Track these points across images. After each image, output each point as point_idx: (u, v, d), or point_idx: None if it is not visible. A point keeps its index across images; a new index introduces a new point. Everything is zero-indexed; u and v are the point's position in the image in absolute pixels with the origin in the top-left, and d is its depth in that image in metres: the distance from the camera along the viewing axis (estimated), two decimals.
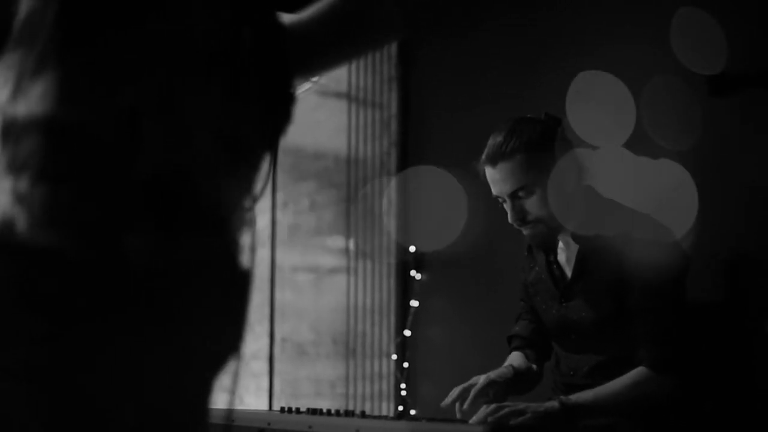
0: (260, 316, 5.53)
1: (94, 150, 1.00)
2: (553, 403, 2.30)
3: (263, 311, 5.44)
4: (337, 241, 4.82)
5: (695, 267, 2.48)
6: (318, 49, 1.35)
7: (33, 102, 0.99)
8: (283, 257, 5.38)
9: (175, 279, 1.06)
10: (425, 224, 4.22)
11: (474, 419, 2.25)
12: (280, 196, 5.42)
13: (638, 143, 2.93)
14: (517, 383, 2.55)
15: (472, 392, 2.41)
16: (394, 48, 4.55)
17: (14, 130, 0.99)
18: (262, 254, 5.45)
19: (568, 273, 2.57)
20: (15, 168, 0.99)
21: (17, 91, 1.00)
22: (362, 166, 4.66)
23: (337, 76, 4.76)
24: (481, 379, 2.46)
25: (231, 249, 1.13)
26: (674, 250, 2.43)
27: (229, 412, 1.19)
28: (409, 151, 4.49)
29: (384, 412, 4.32)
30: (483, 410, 2.26)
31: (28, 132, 0.99)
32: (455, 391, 2.43)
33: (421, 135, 4.43)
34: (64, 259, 0.98)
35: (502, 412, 2.23)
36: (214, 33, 1.10)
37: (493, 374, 2.50)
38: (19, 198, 0.98)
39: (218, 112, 1.09)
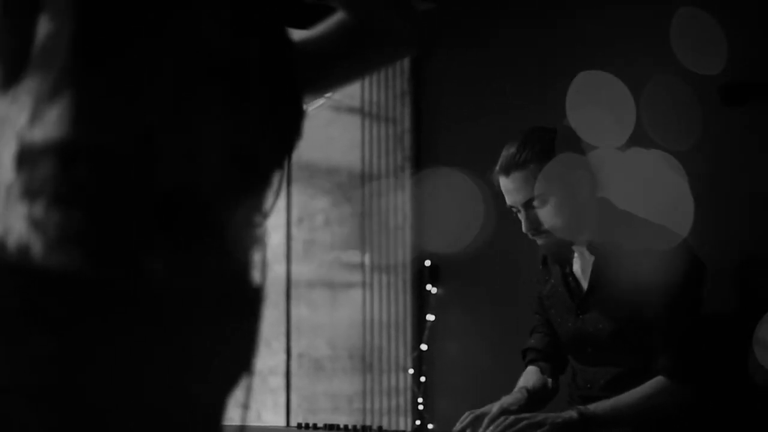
0: (277, 331, 5.54)
1: (109, 172, 1.00)
2: (572, 414, 2.29)
3: (280, 327, 5.45)
4: (353, 256, 4.82)
5: (734, 279, 2.47)
6: (328, 67, 1.35)
7: (49, 126, 0.99)
8: (299, 273, 5.39)
9: (188, 298, 1.06)
10: (440, 237, 4.22)
11: (491, 431, 2.24)
12: (294, 212, 5.43)
13: (638, 143, 2.92)
14: (531, 404, 2.54)
15: (486, 421, 2.39)
16: (406, 63, 4.57)
17: (30, 155, 0.99)
18: (278, 270, 5.46)
19: (584, 285, 2.56)
20: (31, 193, 0.99)
21: (34, 115, 1.00)
22: (376, 180, 4.66)
23: (350, 92, 4.77)
24: (494, 408, 2.44)
25: (243, 266, 1.13)
26: (690, 259, 2.42)
27: (243, 429, 1.19)
28: (423, 165, 4.49)
29: (401, 427, 4.32)
30: (501, 421, 2.26)
31: (44, 157, 0.99)
32: (467, 417, 2.43)
33: (434, 149, 4.43)
34: (80, 282, 0.98)
35: (520, 425, 2.23)
36: (224, 47, 1.11)
37: (506, 402, 2.48)
38: (34, 223, 0.98)
39: (229, 128, 1.10)
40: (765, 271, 2.71)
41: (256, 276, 1.15)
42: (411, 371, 4.31)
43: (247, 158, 1.12)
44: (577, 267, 2.60)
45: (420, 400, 4.18)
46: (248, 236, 1.14)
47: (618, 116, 2.85)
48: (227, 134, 1.10)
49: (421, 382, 4.18)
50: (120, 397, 1.04)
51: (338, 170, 5.07)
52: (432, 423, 3.98)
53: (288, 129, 1.21)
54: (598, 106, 2.74)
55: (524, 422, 2.23)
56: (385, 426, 4.38)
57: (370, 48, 1.36)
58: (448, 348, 4.17)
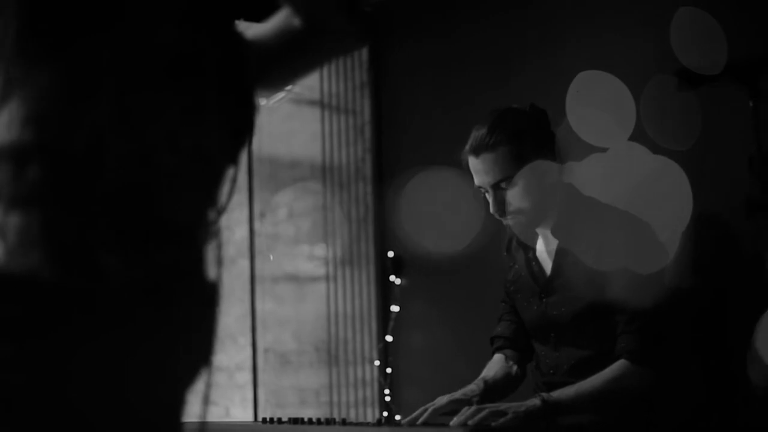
0: (242, 327, 5.52)
1: (61, 172, 1.00)
2: (535, 401, 2.31)
3: (245, 322, 5.43)
4: (317, 249, 4.81)
5: (696, 264, 2.49)
6: (276, 63, 1.37)
7: (0, 131, 0.99)
8: (263, 268, 5.37)
9: (145, 294, 1.08)
10: (403, 229, 4.21)
11: (454, 421, 2.25)
12: (257, 206, 5.41)
13: (638, 143, 2.93)
14: (492, 393, 2.56)
15: (429, 410, 2.43)
16: (365, 53, 4.55)
17: None
18: (242, 265, 5.44)
19: (547, 269, 2.58)
20: None
21: None
22: (338, 173, 4.65)
23: (310, 84, 4.76)
24: (444, 400, 2.47)
25: (198, 261, 1.14)
26: (652, 244, 2.44)
27: (203, 424, 1.20)
28: (384, 156, 4.48)
29: (369, 419, 4.32)
30: (464, 412, 2.26)
31: (3, 158, 0.99)
32: (418, 411, 2.46)
33: (395, 140, 4.43)
34: (40, 285, 0.99)
35: (482, 414, 2.23)
36: (174, 42, 1.12)
37: (457, 393, 2.51)
38: None
39: (180, 124, 1.11)
40: (758, 263, 2.73)
41: (211, 271, 1.14)
42: (377, 363, 4.31)
43: (199, 154, 1.12)
44: (541, 250, 2.62)
45: (386, 391, 4.18)
46: (203, 231, 1.15)
47: (618, 116, 2.86)
48: (178, 130, 1.10)
49: (387, 374, 4.18)
50: (83, 396, 1.05)
51: (300, 163, 5.06)
52: (399, 414, 3.99)
53: (241, 124, 1.22)
54: (597, 106, 2.75)
55: (486, 411, 2.24)
56: (352, 418, 4.38)
57: (316, 43, 1.37)
58: (413, 339, 4.17)
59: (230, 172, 1.19)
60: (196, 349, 1.16)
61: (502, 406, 2.27)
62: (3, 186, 0.99)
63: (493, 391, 2.55)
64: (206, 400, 1.19)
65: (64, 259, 1.00)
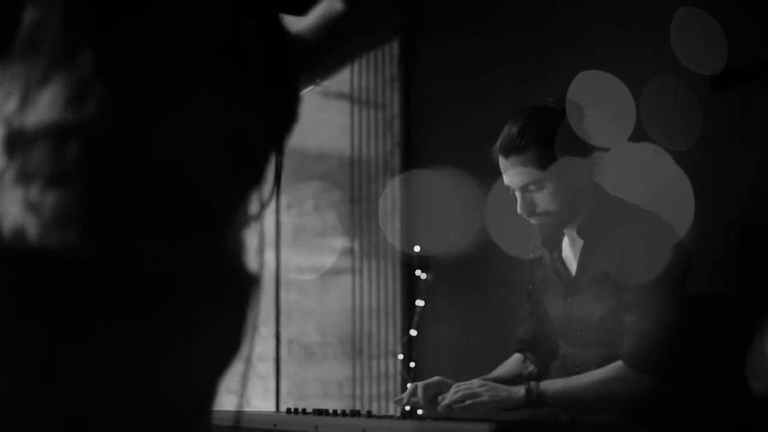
0: (266, 317, 5.53)
1: (101, 153, 1.01)
2: (519, 389, 2.35)
3: (269, 313, 5.45)
4: (342, 242, 4.82)
5: (697, 265, 2.47)
6: (319, 52, 1.39)
7: (41, 110, 1.00)
8: (289, 259, 5.38)
9: (181, 279, 1.09)
10: (430, 224, 4.21)
11: (445, 404, 2.39)
12: (284, 198, 5.42)
13: (638, 143, 2.92)
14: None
15: (420, 386, 2.61)
16: (395, 47, 4.55)
17: (23, 140, 1.01)
18: (268, 256, 5.45)
19: (573, 269, 2.57)
20: (25, 177, 1.00)
21: (25, 101, 1.01)
22: (366, 166, 4.65)
23: (340, 77, 4.76)
24: (434, 378, 2.64)
25: (236, 250, 1.15)
26: (675, 248, 2.42)
27: (238, 414, 1.20)
28: (413, 150, 4.47)
29: (391, 413, 4.32)
30: (452, 392, 2.37)
31: (38, 140, 1.00)
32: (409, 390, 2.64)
33: (424, 134, 4.42)
34: (75, 263, 0.99)
35: (456, 396, 2.31)
36: (218, 29, 1.13)
37: (432, 379, 2.65)
38: (29, 206, 0.99)
39: (223, 112, 1.11)
40: (760, 264, 2.71)
41: (251, 262, 1.15)
42: (400, 357, 4.31)
43: (241, 142, 1.13)
44: (566, 251, 2.61)
45: (410, 385, 4.19)
46: (243, 220, 1.16)
47: (618, 116, 2.85)
48: (221, 117, 1.11)
49: (410, 368, 4.18)
50: (118, 375, 1.06)
51: (328, 156, 5.07)
52: (421, 408, 3.98)
53: (284, 113, 1.22)
54: (598, 105, 2.74)
55: (460, 393, 2.36)
56: (375, 411, 4.39)
57: (357, 33, 1.39)
58: (437, 333, 4.17)
59: (272, 161, 1.18)
60: (229, 338, 1.16)
61: (478, 388, 2.34)
62: (41, 164, 1.00)
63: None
64: (242, 391, 1.22)
65: (99, 237, 1.00)
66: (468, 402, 2.34)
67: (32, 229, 0.99)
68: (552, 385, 2.39)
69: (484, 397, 2.32)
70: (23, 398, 1.02)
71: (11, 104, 1.02)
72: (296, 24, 1.36)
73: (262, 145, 1.17)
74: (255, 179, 1.16)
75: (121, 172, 1.02)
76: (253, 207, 1.16)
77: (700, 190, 2.81)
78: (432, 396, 2.58)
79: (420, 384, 2.60)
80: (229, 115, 1.12)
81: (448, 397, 2.36)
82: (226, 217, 1.12)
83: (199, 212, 1.08)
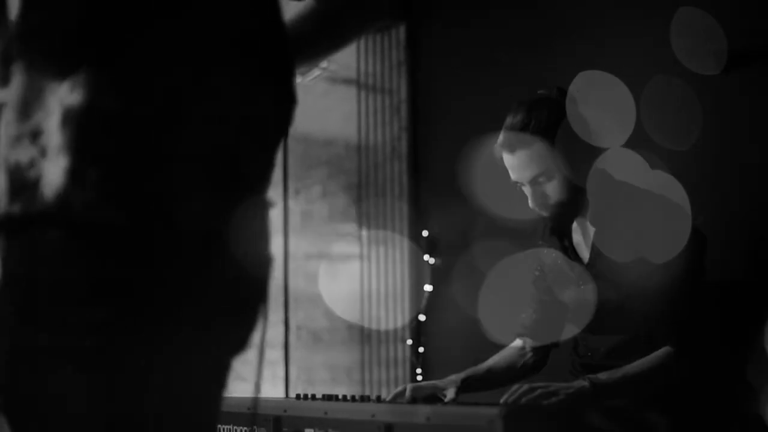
0: (275, 304, 5.53)
1: (143, 132, 1.12)
2: (584, 383, 2.32)
3: (277, 299, 5.45)
4: (350, 228, 4.82)
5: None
6: (311, 38, 1.44)
7: (88, 94, 1.11)
8: (296, 245, 5.38)
9: (205, 245, 1.16)
10: (438, 209, 4.21)
11: (505, 398, 2.30)
12: (291, 184, 5.42)
13: (638, 143, 2.91)
14: (489, 380, 2.63)
15: (408, 388, 2.55)
16: (402, 32, 4.54)
17: (72, 119, 1.11)
18: (275, 242, 5.43)
19: (585, 256, 2.57)
20: (73, 150, 1.10)
21: (74, 83, 1.12)
22: (373, 152, 4.65)
23: (346, 62, 4.75)
24: (425, 382, 2.61)
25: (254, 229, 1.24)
26: (688, 228, 2.42)
27: (255, 401, 1.26)
28: (420, 135, 4.47)
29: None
30: (515, 389, 2.29)
31: (84, 120, 1.10)
32: (404, 388, 2.58)
33: (431, 119, 4.42)
34: (118, 232, 1.09)
35: (534, 393, 2.27)
36: (236, 23, 1.22)
37: (436, 382, 2.60)
38: (75, 178, 1.10)
39: (243, 99, 1.20)
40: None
41: (265, 244, 1.26)
42: (409, 342, 4.32)
43: (256, 127, 1.22)
44: (578, 239, 2.60)
45: (418, 370, 4.19)
46: (257, 203, 1.25)
47: (618, 117, 2.84)
48: (241, 103, 1.20)
49: (419, 353, 4.19)
50: (150, 359, 1.13)
51: (335, 141, 5.06)
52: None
53: (287, 99, 1.28)
54: (598, 106, 2.73)
55: (539, 391, 2.27)
56: (384, 396, 4.40)
57: (347, 17, 1.45)
58: (446, 318, 4.17)
59: (278, 148, 1.27)
60: (246, 318, 1.25)
61: (552, 386, 2.29)
62: (87, 140, 1.10)
63: (487, 379, 2.59)
64: (257, 379, 1.31)
65: (139, 211, 1.10)
66: (550, 401, 2.29)
67: (78, 200, 1.09)
68: (612, 375, 2.36)
69: (561, 396, 2.28)
70: (70, 384, 1.10)
71: (64, 88, 1.12)
72: (290, 9, 1.41)
73: (272, 132, 1.25)
74: (267, 165, 1.25)
75: (159, 149, 1.12)
76: (264, 191, 1.25)
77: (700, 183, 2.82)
78: (422, 398, 2.58)
79: (409, 386, 2.60)
80: (247, 102, 1.20)
81: (521, 394, 2.29)
82: (247, 198, 1.21)
83: (230, 187, 1.17)
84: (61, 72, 1.13)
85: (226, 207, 1.16)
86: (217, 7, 1.20)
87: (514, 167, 2.46)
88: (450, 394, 2.49)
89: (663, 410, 2.40)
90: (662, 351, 2.36)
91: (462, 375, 2.63)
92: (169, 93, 1.13)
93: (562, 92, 2.52)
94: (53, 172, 1.11)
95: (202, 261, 1.14)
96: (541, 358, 2.76)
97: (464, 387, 2.58)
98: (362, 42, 4.71)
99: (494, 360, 2.75)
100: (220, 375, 1.23)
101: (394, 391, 2.61)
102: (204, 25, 1.18)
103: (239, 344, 1.24)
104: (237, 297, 1.21)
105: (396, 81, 4.56)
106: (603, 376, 2.35)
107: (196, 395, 1.20)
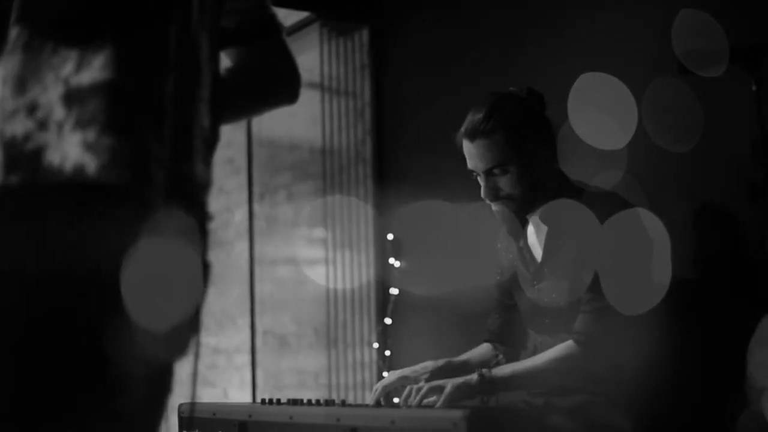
0: (241, 309, 5.52)
1: (146, 106, 1.26)
2: (473, 376, 2.38)
3: (244, 304, 5.43)
4: (316, 232, 4.81)
5: (700, 265, 2.48)
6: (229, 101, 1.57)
7: (96, 71, 1.23)
8: (262, 250, 5.37)
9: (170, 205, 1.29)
10: (402, 212, 4.21)
11: (403, 402, 2.37)
12: (256, 188, 5.40)
13: (639, 144, 2.93)
14: (456, 372, 2.65)
15: (379, 388, 2.59)
16: (365, 35, 4.54)
17: (80, 94, 1.23)
18: (241, 248, 5.44)
19: (538, 256, 2.58)
20: (83, 123, 1.22)
21: (80, 64, 1.24)
22: (338, 155, 4.65)
23: (310, 66, 4.75)
24: (393, 377, 2.62)
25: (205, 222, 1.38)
26: (637, 229, 2.43)
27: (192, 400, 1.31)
28: (384, 139, 4.47)
29: (367, 401, 4.33)
30: (407, 392, 2.38)
31: (93, 95, 1.23)
32: (378, 390, 2.61)
33: (395, 122, 4.42)
34: (128, 195, 1.22)
35: (421, 392, 2.34)
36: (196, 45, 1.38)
37: (407, 370, 2.63)
38: (88, 147, 1.21)
39: (204, 113, 1.36)
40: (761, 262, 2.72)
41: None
42: (376, 345, 4.31)
43: (209, 133, 1.39)
44: (532, 238, 2.62)
45: (385, 374, 4.19)
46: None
47: (620, 118, 2.85)
48: (204, 111, 1.37)
49: (386, 356, 4.19)
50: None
51: (299, 146, 5.05)
52: (397, 396, 3.99)
53: (220, 115, 1.45)
54: (599, 107, 2.75)
55: (426, 388, 2.35)
56: (350, 400, 4.39)
57: (263, 88, 1.61)
58: (412, 321, 4.17)
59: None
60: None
61: (441, 381, 2.37)
62: (97, 113, 1.22)
63: (460, 370, 2.60)
64: (194, 377, 1.40)
65: (147, 175, 1.24)
66: (434, 397, 2.35)
67: (91, 166, 1.20)
68: (503, 369, 2.43)
69: (448, 389, 2.34)
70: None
71: (68, 68, 1.24)
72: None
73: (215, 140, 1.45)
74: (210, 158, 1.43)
75: (160, 122, 1.27)
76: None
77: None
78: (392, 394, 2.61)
79: (378, 386, 2.62)
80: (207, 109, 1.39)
81: (413, 396, 2.37)
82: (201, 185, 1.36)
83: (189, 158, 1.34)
84: (69, 42, 1.25)
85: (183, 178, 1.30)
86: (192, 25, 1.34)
87: (472, 155, 2.49)
88: (413, 395, 2.49)
89: (625, 409, 2.42)
90: (563, 345, 2.40)
91: (440, 362, 2.64)
92: (167, 74, 1.28)
93: (532, 92, 2.54)
94: (69, 145, 1.21)
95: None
96: (512, 358, 2.77)
97: (440, 375, 2.58)
98: (326, 46, 4.70)
99: (468, 355, 2.77)
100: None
101: (379, 387, 2.62)
102: (182, 36, 1.32)
103: (181, 348, 1.33)
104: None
105: (360, 84, 4.56)
106: (495, 370, 2.41)
107: None
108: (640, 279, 2.39)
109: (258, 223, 5.31)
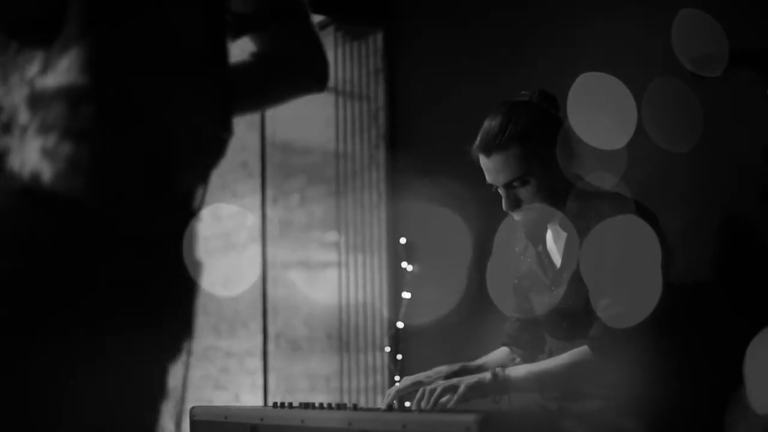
0: (254, 312, 5.52)
1: (108, 113, 1.19)
2: (486, 375, 2.40)
3: (256, 308, 5.43)
4: (328, 236, 4.81)
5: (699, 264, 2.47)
6: (247, 91, 1.49)
7: (61, 74, 1.18)
8: (275, 253, 5.36)
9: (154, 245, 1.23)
10: (416, 216, 4.21)
11: (416, 406, 2.39)
12: (270, 192, 5.40)
13: (639, 145, 2.92)
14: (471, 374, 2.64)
15: (393, 392, 2.63)
16: (379, 39, 4.54)
17: (44, 98, 1.18)
18: (254, 251, 5.44)
19: (557, 261, 2.57)
20: (44, 129, 1.17)
21: (46, 66, 1.19)
22: (351, 159, 4.64)
23: None
24: (407, 381, 2.65)
25: (190, 231, 1.30)
26: (653, 236, 2.42)
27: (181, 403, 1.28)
28: (398, 142, 4.47)
29: (379, 405, 4.32)
30: (420, 395, 2.40)
31: (56, 99, 1.17)
32: (392, 393, 2.64)
33: (409, 126, 4.41)
34: (82, 207, 1.16)
35: (435, 394, 2.35)
36: (192, 41, 1.31)
37: (421, 375, 2.64)
38: (46, 154, 1.16)
39: (189, 113, 1.29)
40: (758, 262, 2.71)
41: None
42: (388, 349, 4.31)
43: (198, 145, 1.30)
44: (551, 244, 2.61)
45: (397, 378, 4.18)
46: (196, 209, 1.31)
47: (619, 118, 2.84)
48: (196, 116, 1.29)
49: (398, 360, 4.18)
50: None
51: (313, 149, 5.05)
52: (410, 401, 3.98)
53: (226, 130, 1.36)
54: (599, 108, 2.74)
55: (439, 390, 2.36)
56: (363, 404, 4.38)
57: (283, 77, 1.52)
58: (424, 325, 4.16)
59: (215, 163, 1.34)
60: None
61: (454, 380, 2.39)
62: (58, 118, 1.17)
63: (476, 374, 2.59)
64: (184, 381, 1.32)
65: (104, 188, 1.17)
66: (447, 396, 2.35)
67: (47, 174, 1.15)
68: (518, 369, 2.43)
69: (461, 388, 2.34)
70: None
71: (34, 69, 1.19)
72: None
73: (214, 146, 1.34)
74: (206, 176, 1.33)
75: (123, 131, 1.19)
76: (198, 200, 1.31)
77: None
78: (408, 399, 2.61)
79: (392, 390, 2.64)
80: (201, 114, 1.30)
81: (426, 398, 2.37)
82: (188, 203, 1.28)
83: (178, 192, 1.25)
84: (32, 41, 1.19)
85: (156, 212, 1.21)
86: (177, 20, 1.26)
87: (490, 170, 2.48)
88: (427, 397, 2.49)
89: (639, 416, 2.41)
90: (578, 350, 2.40)
91: (455, 367, 2.65)
92: (136, 80, 1.21)
93: (544, 95, 2.53)
94: (29, 151, 1.17)
95: (134, 264, 1.19)
96: (529, 362, 2.76)
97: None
98: (339, 49, 4.70)
99: (485, 359, 2.77)
100: (154, 382, 1.25)
101: (393, 391, 2.64)
102: (165, 32, 1.24)
103: (173, 350, 1.27)
104: (169, 300, 1.25)
105: (374, 88, 4.55)
106: (509, 370, 2.42)
107: (128, 402, 1.23)
108: (654, 284, 2.38)
109: (271, 227, 5.31)
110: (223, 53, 1.37)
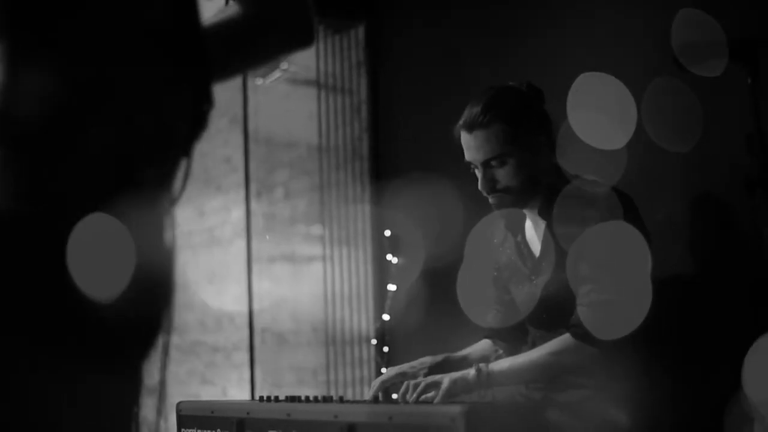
0: (239, 307, 5.52)
1: (42, 119, 1.07)
2: (470, 371, 2.40)
3: (242, 302, 5.43)
4: (313, 229, 4.81)
5: (692, 248, 2.48)
6: (226, 53, 1.39)
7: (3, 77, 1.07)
8: (260, 247, 5.37)
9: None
10: (399, 208, 4.21)
11: (401, 398, 2.40)
12: (253, 186, 5.40)
13: (639, 145, 2.93)
14: (454, 367, 2.64)
15: (379, 383, 2.62)
16: (361, 32, 4.54)
17: None
18: (239, 245, 5.43)
19: (536, 250, 2.58)
20: None
21: None
22: (334, 152, 4.65)
23: (306, 64, 4.75)
24: (391, 372, 2.66)
25: (161, 229, 1.20)
26: (631, 223, 2.43)
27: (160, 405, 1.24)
28: (381, 136, 4.47)
29: (366, 397, 4.33)
30: (404, 389, 2.41)
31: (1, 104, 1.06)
32: (376, 385, 2.64)
33: (392, 119, 4.42)
34: (10, 217, 1.06)
35: (419, 389, 2.36)
36: (146, 19, 1.18)
37: (405, 366, 2.66)
38: None
39: (157, 100, 1.17)
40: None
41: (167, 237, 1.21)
42: (374, 342, 4.32)
43: (170, 130, 1.19)
44: (530, 233, 2.62)
45: (383, 370, 4.19)
46: (166, 205, 1.21)
47: (619, 118, 2.85)
48: (155, 105, 1.16)
49: (384, 353, 4.19)
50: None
51: (296, 143, 5.05)
52: (395, 392, 3.99)
53: (204, 103, 1.25)
54: (599, 108, 2.75)
55: (423, 384, 2.37)
56: (349, 396, 4.39)
57: (265, 36, 1.41)
58: (410, 317, 4.17)
59: (183, 162, 1.22)
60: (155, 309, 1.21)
61: (437, 376, 2.39)
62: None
63: (459, 366, 2.60)
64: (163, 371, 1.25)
65: (36, 197, 1.06)
66: (432, 392, 2.36)
67: None
68: (499, 363, 2.44)
69: (445, 384, 2.35)
70: None
71: None
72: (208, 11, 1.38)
73: (184, 135, 1.22)
74: (172, 171, 1.21)
75: (60, 141, 1.08)
76: (170, 197, 1.21)
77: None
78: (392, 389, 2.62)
79: (376, 382, 2.64)
80: (161, 104, 1.17)
81: (410, 392, 2.38)
82: (153, 192, 1.17)
83: (130, 183, 1.12)
84: None
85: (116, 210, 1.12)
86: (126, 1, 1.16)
87: (471, 147, 2.49)
88: (411, 391, 2.49)
89: (626, 407, 2.42)
90: (559, 338, 2.41)
91: (439, 358, 2.66)
92: (74, 81, 1.09)
93: (532, 87, 2.55)
94: None
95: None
96: (512, 354, 2.77)
97: (438, 370, 2.58)
98: (321, 42, 4.70)
99: (468, 351, 2.77)
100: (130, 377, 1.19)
101: (372, 390, 2.64)
102: (111, 18, 1.13)
103: (146, 346, 1.20)
104: (140, 288, 1.15)
105: (356, 81, 4.55)
106: (492, 364, 2.43)
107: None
108: (634, 269, 2.39)
109: (255, 221, 5.31)
110: (193, 21, 1.26)
